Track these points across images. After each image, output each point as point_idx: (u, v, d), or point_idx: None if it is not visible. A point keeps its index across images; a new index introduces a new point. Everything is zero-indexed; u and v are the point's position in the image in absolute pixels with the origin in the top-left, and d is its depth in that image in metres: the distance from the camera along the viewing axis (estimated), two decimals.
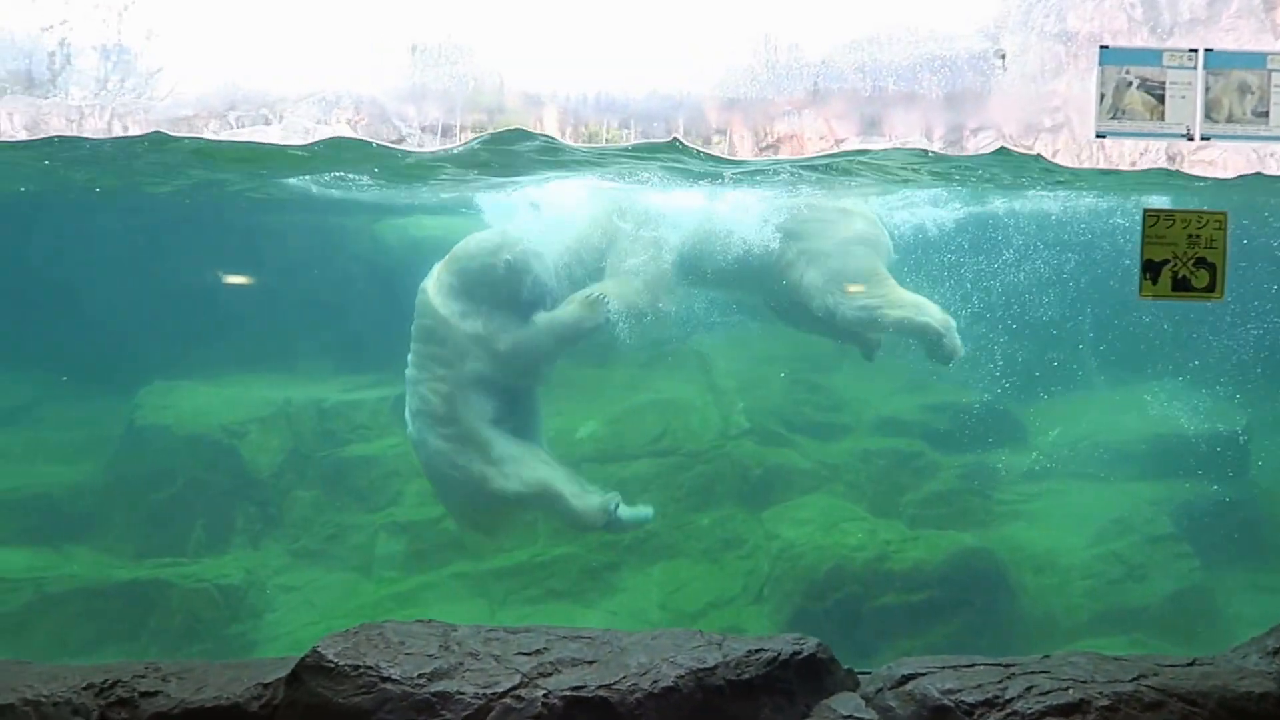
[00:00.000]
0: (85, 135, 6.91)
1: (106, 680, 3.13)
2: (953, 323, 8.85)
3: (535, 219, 9.64)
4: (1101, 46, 4.86)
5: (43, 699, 3.03)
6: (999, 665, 3.66)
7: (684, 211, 9.45)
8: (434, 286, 8.74)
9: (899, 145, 7.83)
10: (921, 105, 7.19)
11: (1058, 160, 8.11)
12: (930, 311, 8.87)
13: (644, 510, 8.84)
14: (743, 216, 9.43)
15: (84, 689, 3.09)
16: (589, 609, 9.46)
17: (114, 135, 6.85)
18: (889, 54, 6.92)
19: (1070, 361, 13.61)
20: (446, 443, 8.53)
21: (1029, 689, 3.47)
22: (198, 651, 9.03)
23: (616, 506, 8.42)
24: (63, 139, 7.23)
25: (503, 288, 8.72)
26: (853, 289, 9.07)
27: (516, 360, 8.73)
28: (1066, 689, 3.45)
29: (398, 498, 10.62)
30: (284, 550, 10.42)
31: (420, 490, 10.33)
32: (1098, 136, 4.75)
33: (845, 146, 7.78)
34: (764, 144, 7.80)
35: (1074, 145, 7.80)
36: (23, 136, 7.08)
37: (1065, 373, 13.37)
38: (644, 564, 10.28)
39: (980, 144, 7.73)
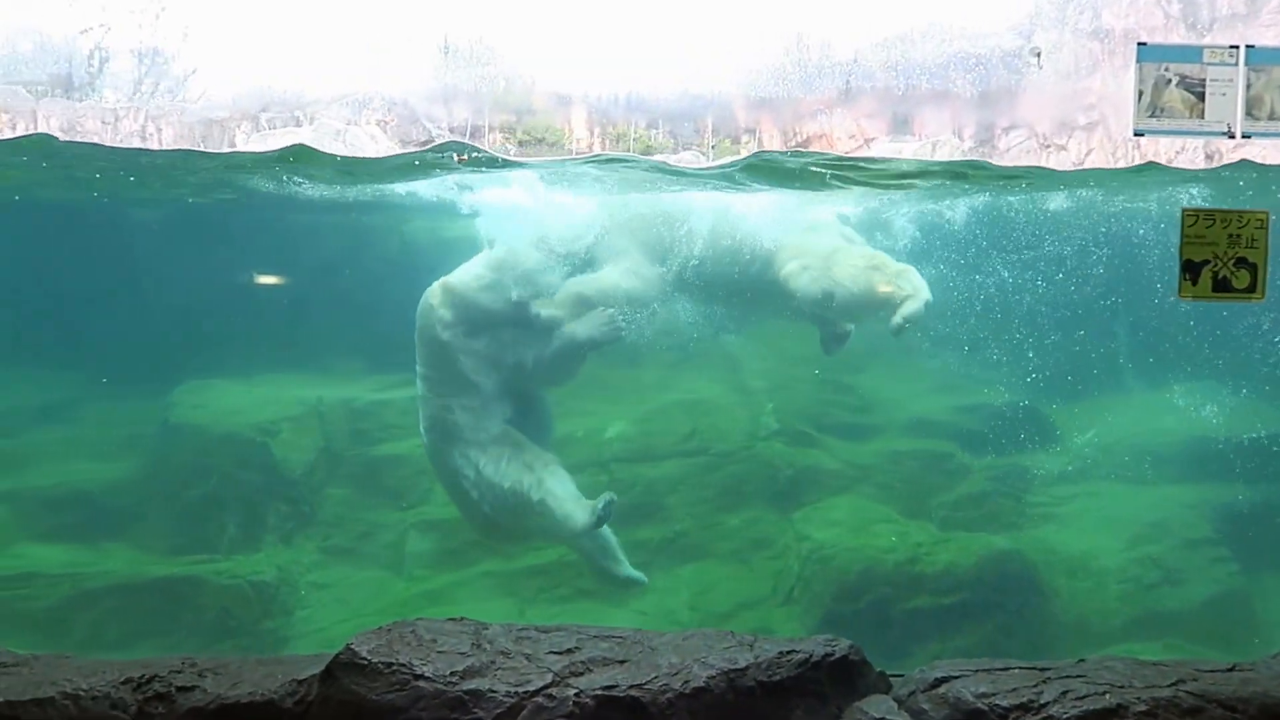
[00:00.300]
0: (120, 137, 6.99)
1: (144, 675, 3.16)
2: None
3: (531, 223, 9.62)
4: (1139, 43, 4.79)
5: (81, 693, 3.07)
6: (1034, 669, 3.63)
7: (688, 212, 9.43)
8: (436, 314, 8.77)
9: (931, 143, 7.79)
10: (952, 103, 7.14)
11: (1090, 161, 8.05)
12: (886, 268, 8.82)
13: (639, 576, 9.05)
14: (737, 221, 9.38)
15: (122, 683, 3.12)
16: (618, 608, 9.45)
17: (147, 136, 6.93)
18: (919, 52, 6.89)
19: (1106, 362, 13.45)
20: (459, 457, 8.64)
21: (1064, 693, 3.43)
22: (231, 647, 9.11)
23: (608, 504, 8.44)
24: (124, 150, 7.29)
25: (506, 313, 8.76)
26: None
27: (526, 374, 8.83)
28: (1103, 694, 3.40)
29: (428, 496, 10.65)
30: (316, 548, 10.49)
31: None
32: (1136, 134, 4.69)
33: (875, 146, 7.74)
34: (792, 143, 7.78)
35: (1109, 143, 7.72)
36: (60, 138, 7.17)
37: (1100, 374, 13.22)
38: (673, 564, 10.27)
39: (1011, 142, 7.68)
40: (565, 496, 8.56)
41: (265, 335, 12.63)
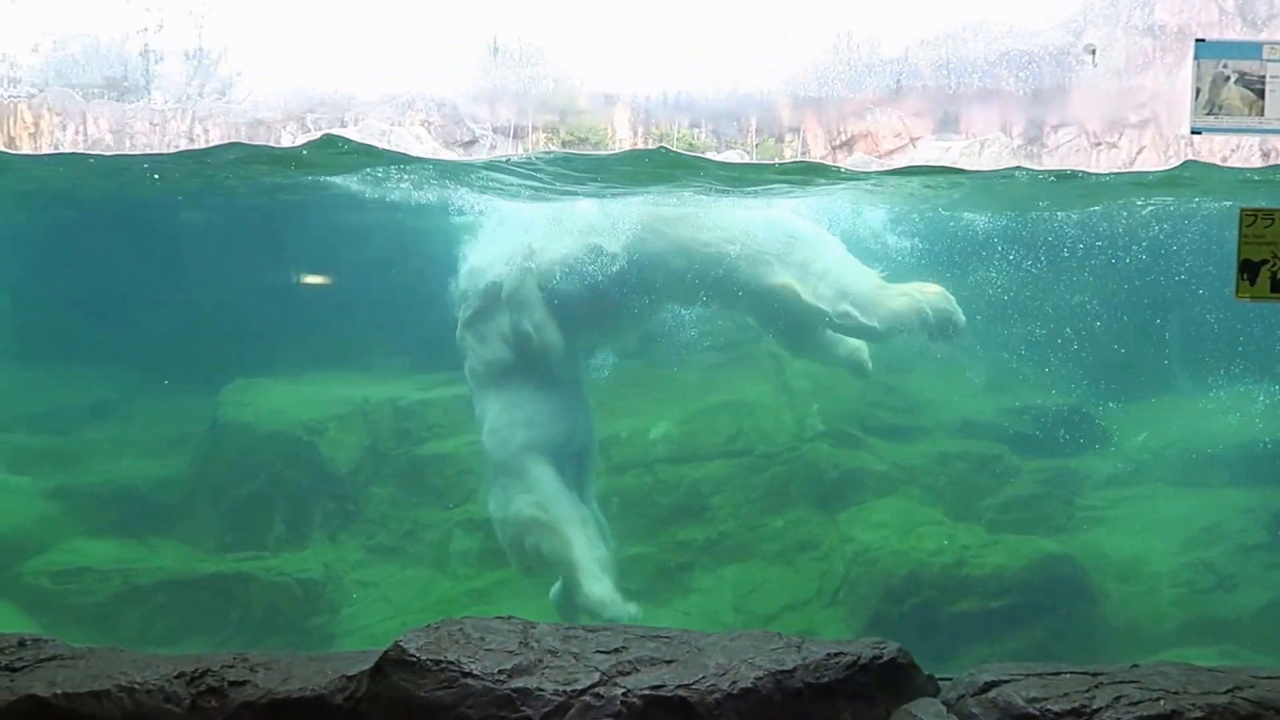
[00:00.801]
0: (168, 138, 7.07)
1: (197, 669, 3.19)
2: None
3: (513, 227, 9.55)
4: (1197, 40, 4.71)
5: (136, 686, 3.11)
6: (1085, 674, 3.57)
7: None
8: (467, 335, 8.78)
9: (979, 142, 7.70)
10: (1000, 101, 7.05)
11: (1141, 163, 7.93)
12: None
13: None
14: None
15: (175, 677, 3.16)
16: (662, 608, 9.45)
17: (194, 137, 7.01)
18: (968, 50, 6.81)
19: (1158, 364, 13.24)
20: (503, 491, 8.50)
21: (1117, 699, 3.36)
22: (278, 643, 9.22)
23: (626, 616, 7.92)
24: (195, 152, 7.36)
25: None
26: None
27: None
28: (1157, 700, 3.33)
29: (472, 495, 10.70)
30: (361, 546, 10.58)
31: None
32: (1193, 133, 4.61)
33: (921, 145, 7.66)
34: (837, 143, 7.73)
35: (1161, 141, 7.59)
36: (109, 141, 7.28)
37: (1152, 375, 13.01)
38: (717, 565, 10.24)
39: (1061, 140, 7.57)
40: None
41: (311, 334, 12.77)
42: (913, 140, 7.64)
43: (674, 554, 10.18)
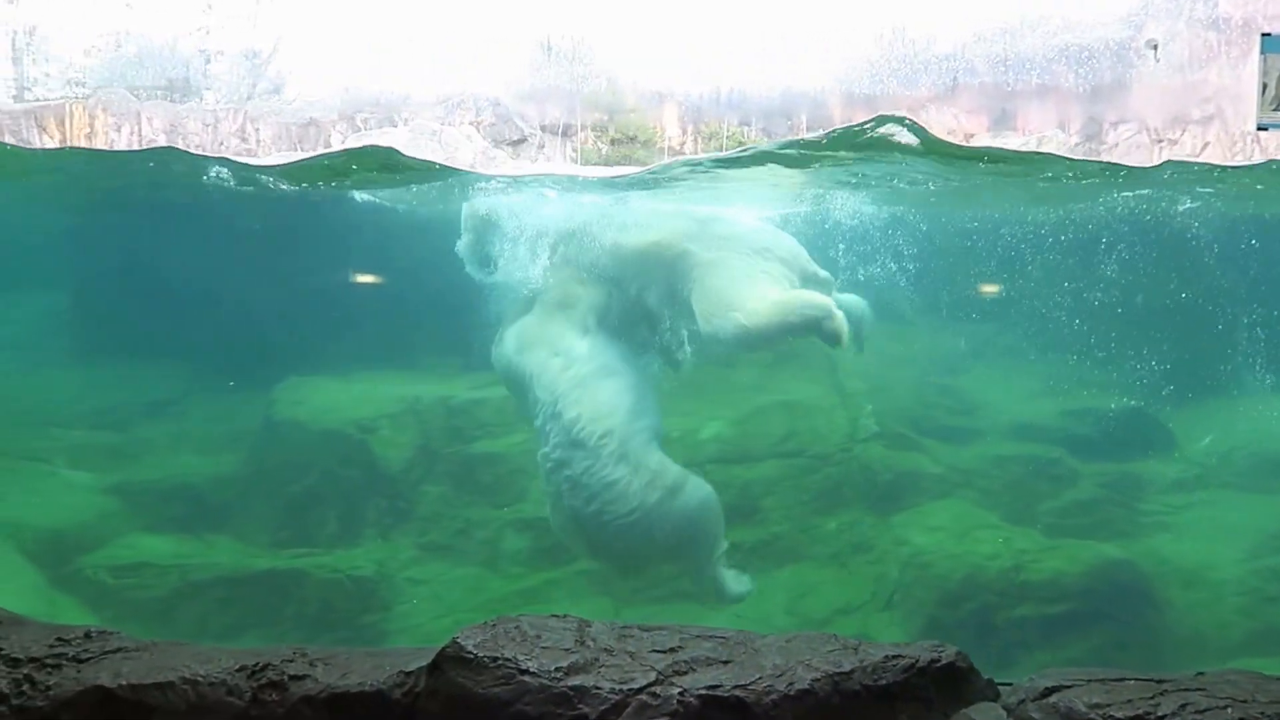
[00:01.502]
0: (220, 137, 7.16)
1: (258, 663, 3.22)
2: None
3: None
4: (1264, 34, 4.59)
5: (200, 678, 3.14)
6: (1150, 681, 3.49)
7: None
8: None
9: (1036, 138, 7.58)
10: (1058, 97, 6.94)
11: (1206, 157, 7.74)
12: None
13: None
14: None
15: (237, 670, 3.19)
16: (713, 610, 9.40)
17: (246, 137, 7.09)
18: (1023, 45, 6.71)
19: (1224, 365, 12.94)
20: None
21: (1183, 706, 3.29)
22: (332, 640, 9.28)
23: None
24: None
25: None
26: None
27: None
28: (1225, 708, 3.26)
29: (523, 494, 10.71)
30: (413, 544, 10.62)
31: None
32: (1259, 129, 4.48)
33: (975, 142, 7.56)
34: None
35: (1225, 138, 7.42)
36: (162, 140, 7.38)
37: (1218, 377, 12.71)
38: (770, 567, 10.18)
39: (1120, 137, 7.43)
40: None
41: (363, 333, 12.86)
42: (967, 137, 7.54)
43: (725, 555, 10.12)
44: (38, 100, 6.82)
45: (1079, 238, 11.67)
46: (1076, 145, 7.67)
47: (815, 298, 8.22)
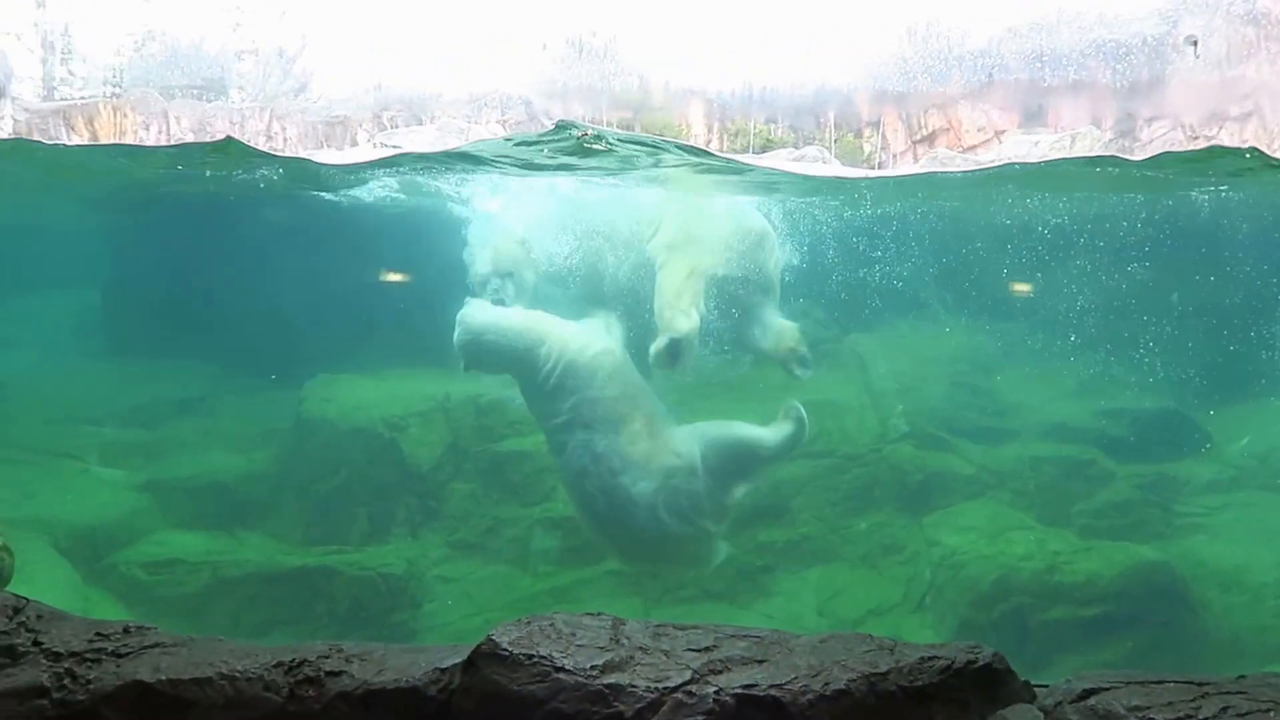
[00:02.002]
0: (247, 136, 7.18)
1: (294, 659, 3.23)
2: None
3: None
4: None
5: (237, 674, 3.15)
6: (1190, 684, 3.44)
7: None
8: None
9: (1070, 136, 7.49)
10: (1090, 94, 6.85)
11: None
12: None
13: None
14: None
15: (273, 666, 3.20)
16: (743, 611, 9.39)
17: (272, 135, 7.12)
18: (1056, 41, 6.62)
19: (1262, 365, 12.76)
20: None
21: (1224, 709, 3.24)
22: (362, 637, 9.24)
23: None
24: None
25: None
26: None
27: None
28: (1267, 711, 3.21)
29: (552, 493, 10.70)
30: (442, 542, 10.64)
31: None
32: None
33: (1006, 139, 7.49)
34: (917, 136, 7.58)
35: (1264, 134, 7.31)
36: (190, 139, 7.42)
37: (1256, 377, 12.54)
38: (800, 568, 10.14)
39: (1155, 133, 7.33)
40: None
41: (392, 331, 12.90)
42: (998, 134, 7.47)
43: (755, 555, 10.09)
44: (65, 100, 6.87)
45: (1113, 235, 11.55)
46: (1110, 142, 7.59)
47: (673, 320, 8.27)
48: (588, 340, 8.54)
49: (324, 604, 9.77)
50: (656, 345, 8.24)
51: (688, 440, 8.41)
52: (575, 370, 8.40)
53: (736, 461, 8.51)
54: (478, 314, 8.77)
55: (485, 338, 8.69)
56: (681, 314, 8.24)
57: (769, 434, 8.53)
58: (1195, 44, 6.41)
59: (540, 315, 8.72)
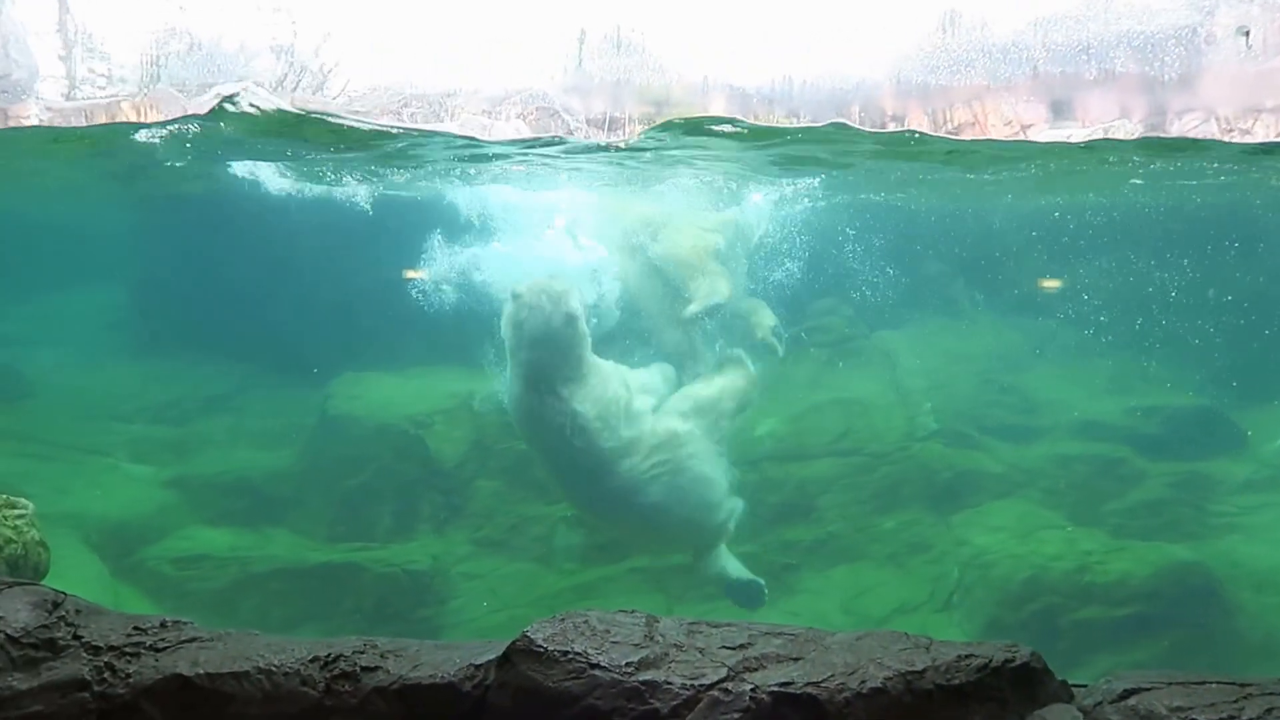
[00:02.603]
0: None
1: (329, 654, 3.23)
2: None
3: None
4: None
5: (274, 668, 3.16)
6: (1233, 684, 3.38)
7: None
8: None
9: (1103, 128, 7.39)
10: (1120, 86, 6.75)
11: None
12: None
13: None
14: None
15: (310, 661, 3.20)
16: (768, 609, 9.35)
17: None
18: (1084, 31, 6.53)
19: None
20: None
21: (1269, 710, 3.18)
22: (388, 633, 9.27)
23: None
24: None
25: None
26: None
27: None
28: None
29: None
30: (467, 539, 10.64)
31: None
32: None
33: (1032, 133, 7.40)
34: (942, 131, 7.51)
35: None
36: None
37: None
38: (825, 566, 10.10)
39: (1186, 127, 7.23)
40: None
41: (418, 329, 12.91)
42: (1024, 128, 7.39)
43: (781, 554, 10.06)
44: (88, 98, 6.89)
45: (1145, 230, 11.44)
46: (1141, 135, 7.49)
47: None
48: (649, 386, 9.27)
49: (350, 600, 9.80)
50: (698, 307, 9.18)
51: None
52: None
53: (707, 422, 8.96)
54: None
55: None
56: (720, 283, 9.26)
57: (724, 384, 9.12)
58: (1247, 34, 6.30)
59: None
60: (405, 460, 11.10)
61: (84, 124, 7.16)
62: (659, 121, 7.25)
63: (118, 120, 7.13)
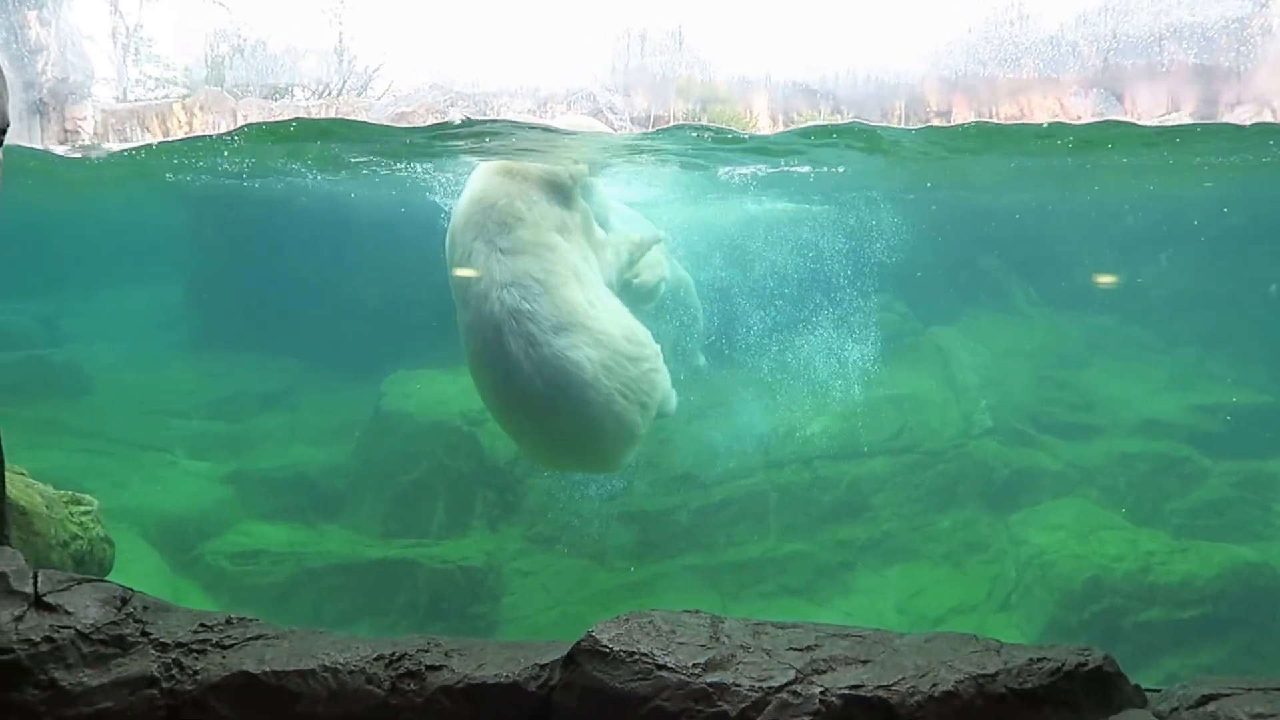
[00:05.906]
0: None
1: (394, 653, 3.23)
2: None
3: None
4: None
5: (339, 666, 3.17)
6: None
7: None
8: None
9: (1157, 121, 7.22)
10: (1169, 79, 6.60)
11: None
12: None
13: None
14: None
15: (375, 660, 3.20)
16: (822, 607, 9.27)
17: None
18: (1131, 24, 6.39)
19: None
20: None
21: None
22: (442, 629, 9.30)
23: None
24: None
25: None
26: None
27: None
28: None
29: (628, 488, 10.68)
30: (520, 535, 10.62)
31: (652, 481, 10.39)
32: None
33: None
34: (988, 126, 7.38)
35: None
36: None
37: None
38: (880, 565, 9.98)
39: (1238, 119, 7.04)
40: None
41: None
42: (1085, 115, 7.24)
43: (834, 553, 9.94)
44: (139, 100, 6.98)
45: (1206, 224, 11.20)
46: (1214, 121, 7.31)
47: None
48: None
49: (405, 596, 9.82)
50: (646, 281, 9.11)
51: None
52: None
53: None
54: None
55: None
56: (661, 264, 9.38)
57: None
58: None
59: None
60: (458, 457, 11.10)
61: (137, 126, 7.25)
62: (702, 120, 7.20)
63: (168, 122, 7.22)
